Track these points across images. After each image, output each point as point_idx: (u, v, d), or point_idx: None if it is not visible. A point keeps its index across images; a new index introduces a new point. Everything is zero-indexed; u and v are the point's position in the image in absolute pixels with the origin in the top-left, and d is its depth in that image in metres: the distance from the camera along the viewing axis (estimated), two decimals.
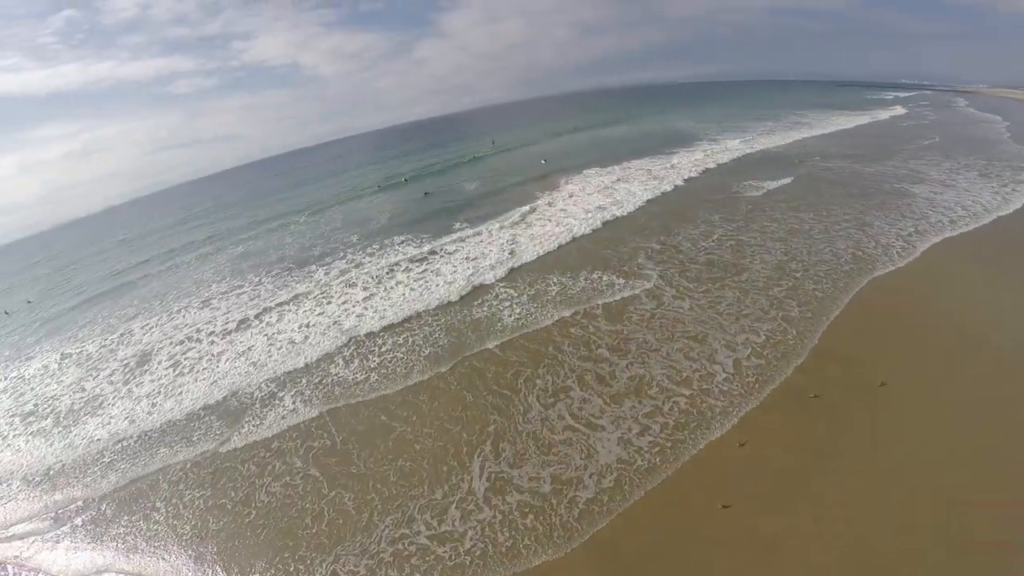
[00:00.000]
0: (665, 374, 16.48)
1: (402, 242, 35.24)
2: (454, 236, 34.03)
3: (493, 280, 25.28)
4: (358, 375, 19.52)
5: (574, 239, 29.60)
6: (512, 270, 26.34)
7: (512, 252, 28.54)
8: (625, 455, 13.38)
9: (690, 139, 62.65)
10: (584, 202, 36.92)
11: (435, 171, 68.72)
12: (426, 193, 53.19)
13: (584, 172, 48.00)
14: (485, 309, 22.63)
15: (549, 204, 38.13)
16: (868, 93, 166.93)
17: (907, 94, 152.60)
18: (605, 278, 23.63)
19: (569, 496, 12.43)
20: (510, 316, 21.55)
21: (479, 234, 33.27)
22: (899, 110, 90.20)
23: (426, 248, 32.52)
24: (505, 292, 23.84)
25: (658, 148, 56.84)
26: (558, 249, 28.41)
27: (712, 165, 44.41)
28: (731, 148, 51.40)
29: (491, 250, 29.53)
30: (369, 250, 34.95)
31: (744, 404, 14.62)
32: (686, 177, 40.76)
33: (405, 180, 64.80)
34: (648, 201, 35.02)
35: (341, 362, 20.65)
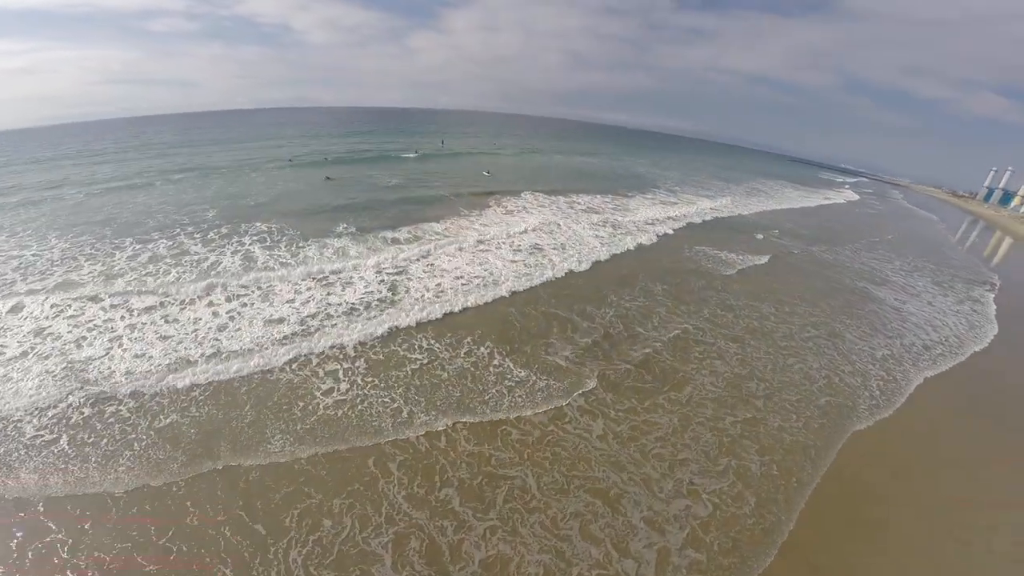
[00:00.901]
0: (539, 568, 9.01)
1: (255, 238, 25.78)
2: (326, 245, 25.13)
3: (336, 339, 16.69)
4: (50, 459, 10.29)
5: (483, 293, 21.86)
6: (372, 322, 18.00)
7: (388, 297, 20.07)
8: None
9: (648, 185, 58.26)
10: (513, 235, 29.51)
11: (363, 158, 59.11)
12: (327, 178, 44.69)
13: (527, 195, 41.03)
14: (300, 385, 14.14)
15: (469, 228, 30.41)
16: (820, 173, 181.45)
17: (852, 180, 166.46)
18: (497, 363, 16.00)
19: None
20: (334, 410, 13.23)
21: (359, 255, 24.39)
22: (851, 194, 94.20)
23: (276, 255, 23.36)
24: (344, 365, 15.42)
25: (613, 187, 51.51)
26: (458, 309, 20.29)
27: (667, 219, 39.13)
28: (688, 204, 47.07)
29: (360, 284, 21.00)
30: (206, 240, 25.18)
31: None
32: (636, 226, 34.94)
33: (326, 159, 57.21)
34: (584, 256, 28.29)
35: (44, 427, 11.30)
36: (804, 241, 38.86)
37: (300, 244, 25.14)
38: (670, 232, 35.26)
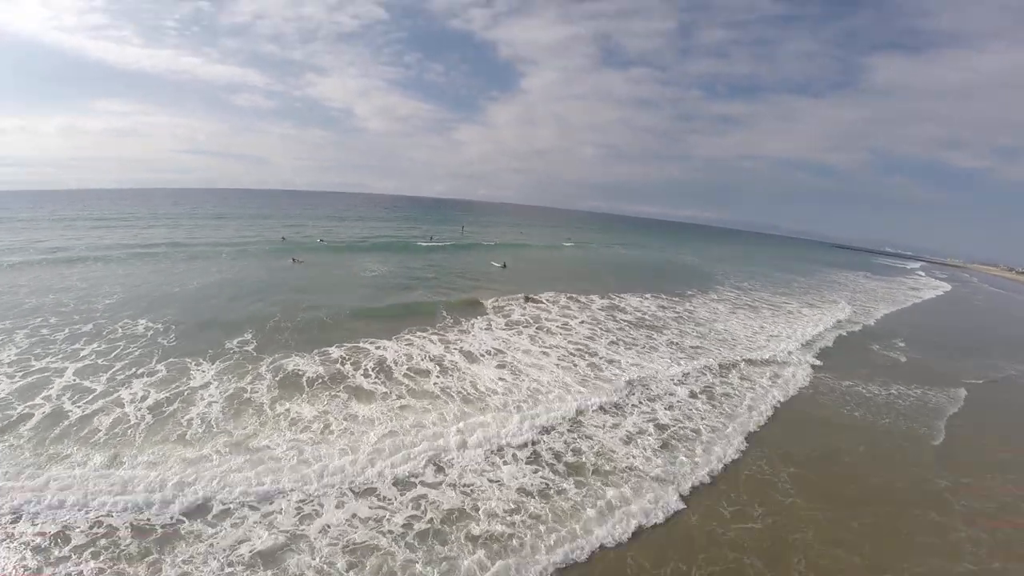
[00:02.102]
0: None
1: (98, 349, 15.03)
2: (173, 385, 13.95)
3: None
4: None
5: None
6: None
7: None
8: None
9: (704, 279, 46.15)
10: (507, 402, 17.50)
11: (366, 244, 51.19)
12: (294, 260, 37.20)
13: (549, 297, 29.74)
14: None
15: (425, 376, 18.85)
16: (872, 259, 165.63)
17: (914, 264, 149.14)
18: None
19: None
20: None
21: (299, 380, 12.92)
22: (936, 282, 78.41)
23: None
24: None
25: (664, 283, 39.75)
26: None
27: (769, 338, 26.19)
28: (770, 306, 34.15)
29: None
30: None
31: None
32: (740, 356, 22.18)
33: (320, 241, 51.77)
34: (644, 416, 15.71)
35: None
36: (953, 362, 24.46)
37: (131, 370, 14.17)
38: (812, 366, 22.08)
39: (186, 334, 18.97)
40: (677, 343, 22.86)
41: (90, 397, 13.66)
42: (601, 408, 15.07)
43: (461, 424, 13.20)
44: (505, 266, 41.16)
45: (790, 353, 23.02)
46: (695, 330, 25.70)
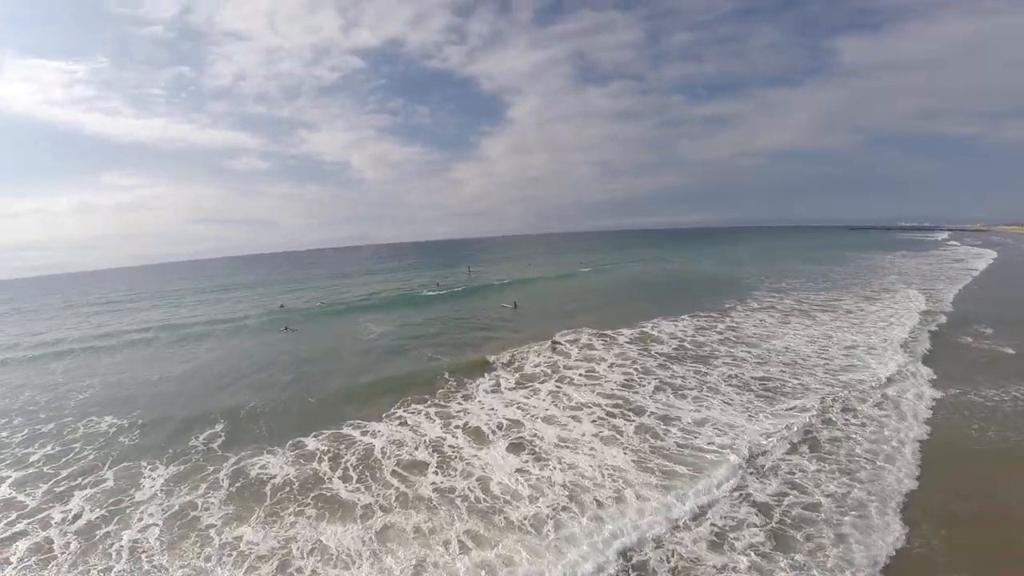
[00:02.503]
0: None
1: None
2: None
3: None
4: None
5: None
6: None
7: None
8: None
9: (736, 288, 41.78)
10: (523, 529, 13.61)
11: (370, 302, 48.28)
12: (286, 328, 34.88)
13: (567, 338, 25.92)
14: None
15: (466, 424, 15.13)
16: (896, 235, 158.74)
17: (943, 234, 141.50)
18: None
19: None
20: None
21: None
22: (984, 252, 72.35)
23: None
24: None
25: (694, 300, 35.60)
26: None
27: (849, 348, 21.73)
28: (825, 308, 29.55)
29: None
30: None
31: None
32: (810, 386, 17.89)
33: (320, 303, 49.21)
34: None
35: None
36: None
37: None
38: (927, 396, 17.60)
39: (150, 430, 16.83)
40: (736, 376, 18.63)
41: (15, 516, 11.71)
42: (685, 523, 10.59)
43: (468, 559, 9.24)
44: (516, 306, 37.63)
45: (890, 366, 18.52)
46: (751, 354, 21.42)
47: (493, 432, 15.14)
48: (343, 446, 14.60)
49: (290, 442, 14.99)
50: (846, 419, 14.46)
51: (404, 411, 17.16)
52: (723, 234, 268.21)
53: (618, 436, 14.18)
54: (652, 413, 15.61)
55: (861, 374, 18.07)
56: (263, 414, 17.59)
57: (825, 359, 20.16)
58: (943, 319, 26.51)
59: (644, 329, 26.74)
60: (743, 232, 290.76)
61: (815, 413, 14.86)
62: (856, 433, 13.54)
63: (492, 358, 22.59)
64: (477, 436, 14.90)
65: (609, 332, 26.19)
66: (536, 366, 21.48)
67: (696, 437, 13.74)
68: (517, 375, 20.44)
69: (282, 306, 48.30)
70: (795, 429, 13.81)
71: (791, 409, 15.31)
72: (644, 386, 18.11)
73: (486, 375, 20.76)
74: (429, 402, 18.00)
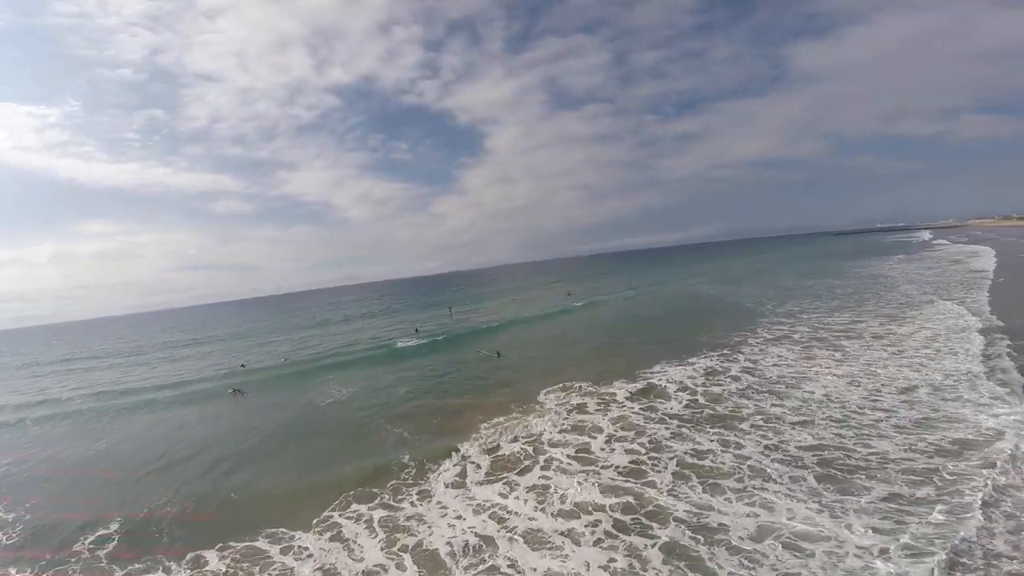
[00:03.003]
0: None
1: None
2: None
3: None
4: None
5: None
6: None
7: None
8: None
9: (740, 314, 37.91)
10: None
11: (339, 358, 43.34)
12: (233, 391, 31.28)
13: (552, 399, 21.43)
14: None
15: (418, 540, 10.43)
16: (883, 237, 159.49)
17: (928, 235, 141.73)
18: None
19: None
20: None
21: None
22: (978, 249, 69.30)
23: None
24: None
25: (696, 332, 31.56)
26: None
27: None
28: (832, 328, 25.58)
29: None
30: None
31: None
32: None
33: (284, 360, 44.10)
34: None
35: None
36: None
37: None
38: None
39: (35, 528, 14.63)
40: (778, 445, 14.15)
41: None
42: None
43: None
44: (499, 355, 33.14)
45: (1001, 416, 14.17)
46: (785, 407, 17.08)
47: (454, 559, 10.56)
48: (255, 566, 10.79)
49: (190, 555, 12.02)
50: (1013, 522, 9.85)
51: (343, 515, 13.20)
52: (709, 250, 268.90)
53: (639, 571, 9.58)
54: (681, 520, 11.04)
55: (957, 430, 13.75)
56: (170, 514, 14.58)
57: (884, 410, 15.86)
58: (1004, 337, 22.44)
59: (647, 379, 22.35)
60: (730, 247, 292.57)
61: (896, 494, 10.46)
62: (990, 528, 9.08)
63: (462, 443, 17.86)
64: (430, 567, 10.32)
65: (605, 388, 21.72)
66: (515, 441, 16.91)
67: (761, 566, 9.19)
68: (490, 459, 15.81)
69: (243, 365, 43.28)
70: (880, 520, 9.35)
71: (892, 500, 10.83)
72: (659, 471, 13.59)
73: (452, 457, 16.20)
74: (377, 500, 13.76)
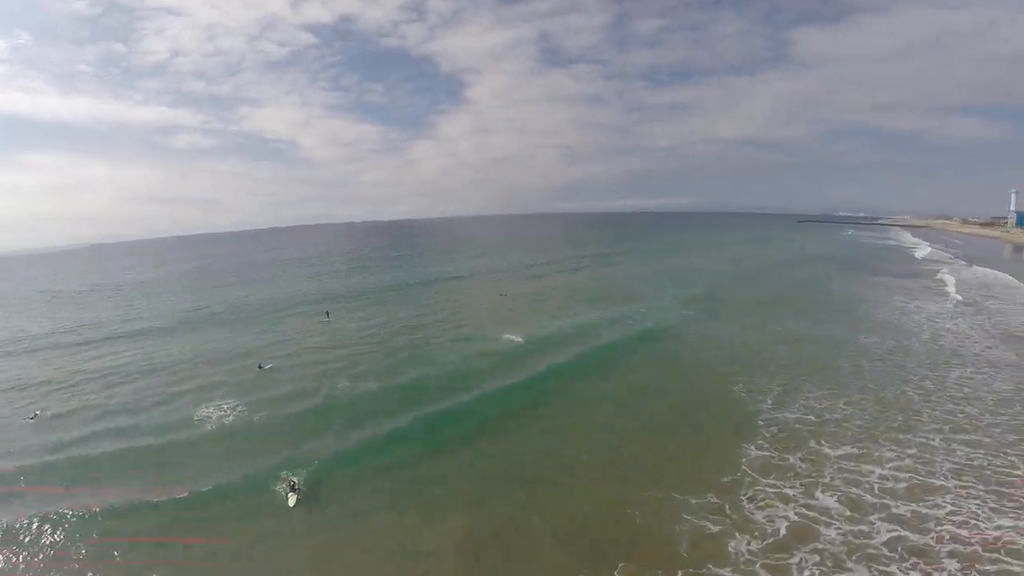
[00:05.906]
0: None
1: None
2: None
3: None
4: None
5: None
6: None
7: None
8: None
9: (727, 424, 30.41)
10: None
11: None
12: None
13: None
14: None
15: None
16: (838, 231, 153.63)
17: (904, 235, 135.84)
18: None
19: None
20: None
21: None
22: (997, 278, 51.09)
23: None
24: None
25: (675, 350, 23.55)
26: None
27: None
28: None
29: None
30: None
31: None
32: None
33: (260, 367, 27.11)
34: None
35: None
36: None
37: None
38: None
39: None
40: None
41: None
42: None
43: None
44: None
45: None
46: None
47: None
48: None
49: None
50: None
51: None
52: (694, 219, 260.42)
53: None
54: None
55: None
56: None
57: None
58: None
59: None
60: (699, 217, 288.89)
61: None
62: None
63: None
64: None
65: None
66: None
67: None
68: None
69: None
70: None
71: None
72: None
73: None
74: None
